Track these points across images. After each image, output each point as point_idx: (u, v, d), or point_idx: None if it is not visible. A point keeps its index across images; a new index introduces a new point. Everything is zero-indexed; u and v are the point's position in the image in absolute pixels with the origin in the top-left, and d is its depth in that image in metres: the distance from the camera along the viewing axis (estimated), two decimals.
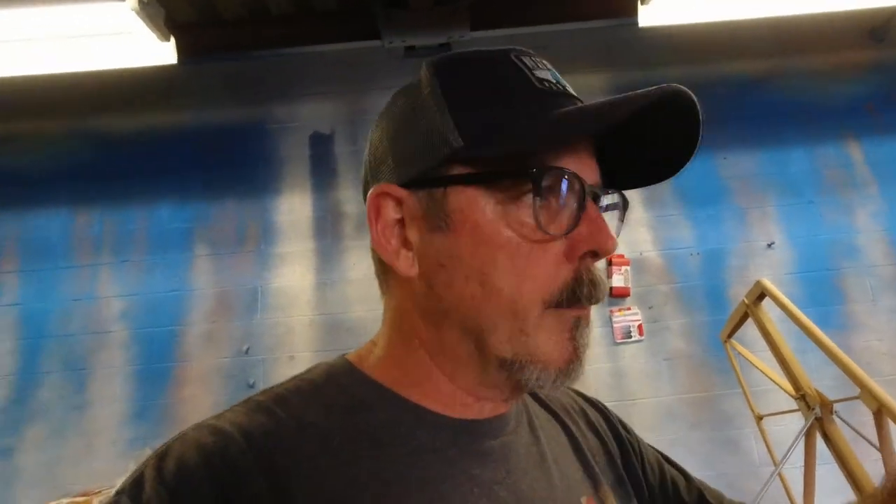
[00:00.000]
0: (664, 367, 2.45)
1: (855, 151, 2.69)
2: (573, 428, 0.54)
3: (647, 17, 2.06)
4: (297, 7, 2.50)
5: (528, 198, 0.40)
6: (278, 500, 0.37)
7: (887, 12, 2.65)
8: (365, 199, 0.45)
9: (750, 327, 1.64)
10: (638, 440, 0.59)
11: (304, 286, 2.54)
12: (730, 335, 1.75)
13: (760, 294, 1.55)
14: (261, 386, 2.40)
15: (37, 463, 2.35)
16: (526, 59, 0.44)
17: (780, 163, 2.67)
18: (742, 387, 1.78)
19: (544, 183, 0.39)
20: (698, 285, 2.53)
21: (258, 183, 2.66)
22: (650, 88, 0.38)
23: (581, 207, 0.40)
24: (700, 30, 2.28)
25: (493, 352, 0.41)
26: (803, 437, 1.41)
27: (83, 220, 2.62)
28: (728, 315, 1.76)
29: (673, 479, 0.58)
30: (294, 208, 2.64)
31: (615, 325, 2.48)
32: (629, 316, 2.49)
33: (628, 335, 2.48)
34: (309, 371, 0.47)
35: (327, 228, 2.61)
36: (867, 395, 1.22)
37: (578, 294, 0.41)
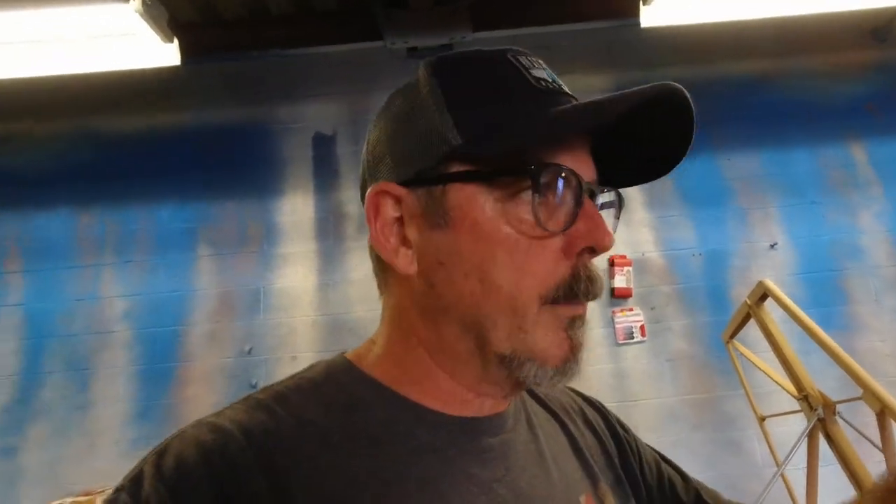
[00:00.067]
0: (666, 367, 2.45)
1: (858, 152, 2.68)
2: (571, 427, 0.54)
3: (649, 17, 2.06)
4: (299, 8, 2.50)
5: (527, 195, 0.40)
6: (278, 499, 0.37)
7: (889, 12, 2.64)
8: (363, 199, 0.46)
9: (752, 328, 1.64)
10: (636, 440, 0.59)
11: (306, 287, 2.55)
12: (732, 336, 1.75)
13: (763, 295, 1.54)
14: (263, 386, 2.40)
15: (40, 462, 2.36)
16: (522, 59, 0.44)
17: (783, 163, 2.66)
18: (744, 388, 1.77)
19: (542, 180, 0.40)
20: (700, 286, 2.53)
21: (261, 183, 2.67)
22: (645, 86, 0.39)
23: (578, 204, 0.41)
24: (702, 30, 2.28)
25: (493, 348, 0.41)
26: (806, 438, 1.40)
27: (86, 221, 2.63)
28: (730, 316, 1.76)
29: (670, 479, 0.58)
30: (296, 209, 2.65)
31: (617, 326, 2.48)
32: (631, 317, 2.49)
33: (630, 336, 2.47)
34: (308, 369, 0.47)
35: (329, 229, 2.61)
36: (870, 395, 1.22)
37: (576, 290, 0.41)
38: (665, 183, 2.63)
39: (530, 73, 0.43)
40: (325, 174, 2.69)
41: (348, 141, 2.72)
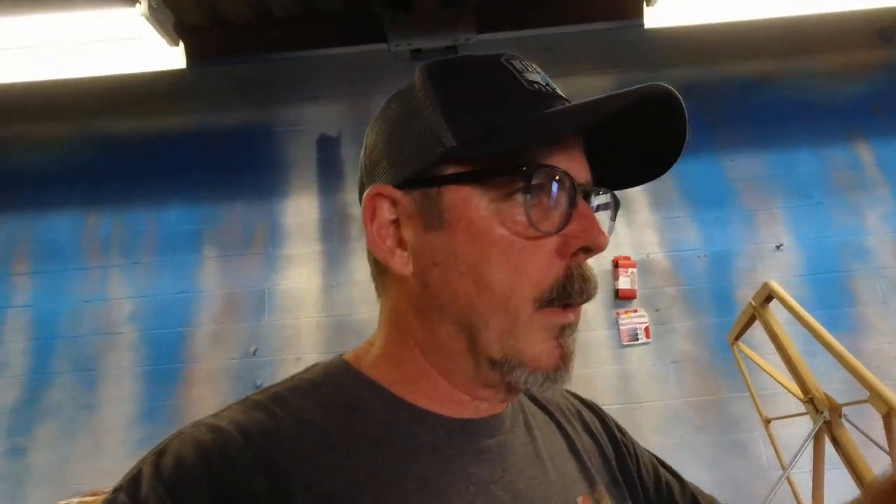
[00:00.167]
0: (671, 369, 2.44)
1: (864, 153, 2.67)
2: (569, 429, 0.54)
3: (653, 18, 2.05)
4: (304, 10, 2.52)
5: (521, 196, 0.40)
6: (277, 498, 0.37)
7: None
8: (361, 202, 0.46)
9: (758, 329, 1.63)
10: (633, 443, 0.59)
11: (310, 288, 2.56)
12: (737, 337, 1.74)
13: (768, 296, 1.54)
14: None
15: (48, 462, 2.38)
16: (516, 63, 0.45)
17: (788, 164, 2.65)
18: (749, 390, 1.77)
19: (535, 181, 0.40)
20: (705, 287, 2.52)
21: (266, 185, 2.68)
22: (635, 87, 0.39)
23: (572, 205, 0.41)
24: (706, 31, 2.28)
25: (484, 350, 0.42)
26: (812, 441, 1.39)
27: (93, 223, 2.66)
28: (735, 317, 1.75)
29: (667, 483, 0.58)
30: (301, 211, 2.66)
31: (621, 328, 2.47)
32: (635, 318, 2.48)
33: (635, 337, 2.47)
34: (307, 371, 0.48)
35: (334, 231, 2.62)
36: (876, 398, 1.21)
37: (569, 290, 0.41)
38: (669, 184, 2.62)
39: (524, 77, 0.44)
40: (329, 176, 2.70)
41: (353, 143, 2.73)
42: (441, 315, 0.43)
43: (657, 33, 2.22)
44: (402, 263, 0.44)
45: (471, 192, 0.41)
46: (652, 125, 0.43)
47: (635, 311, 2.49)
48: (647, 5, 2.02)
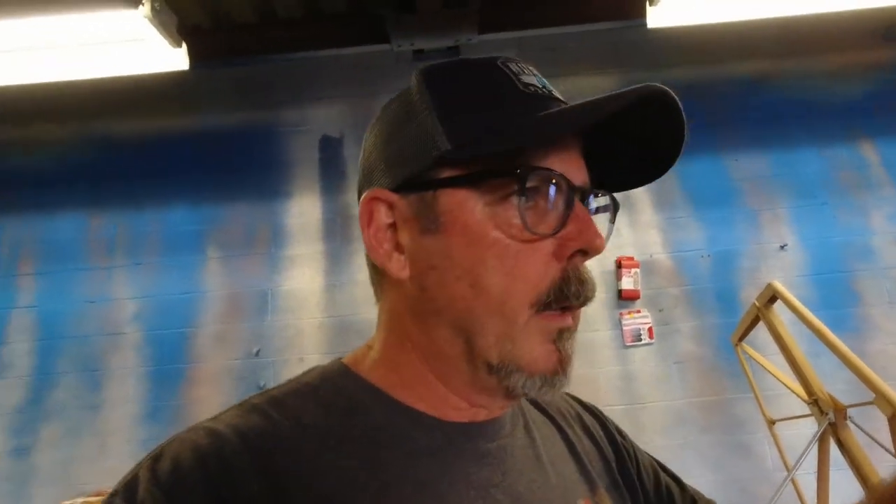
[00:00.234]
0: (674, 370, 2.43)
1: (869, 152, 2.65)
2: (569, 432, 0.54)
3: (656, 18, 2.05)
4: (307, 11, 2.52)
5: (515, 198, 0.40)
6: (275, 501, 0.37)
7: None
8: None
9: (762, 330, 1.62)
10: (633, 446, 0.58)
11: (313, 288, 2.56)
12: (741, 338, 1.73)
13: (772, 297, 1.53)
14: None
15: (52, 462, 2.39)
16: (512, 66, 0.45)
17: (792, 164, 2.64)
18: (754, 391, 1.76)
19: (529, 183, 0.40)
20: (709, 288, 2.51)
21: (268, 186, 2.69)
22: (631, 87, 0.39)
23: (568, 207, 0.41)
24: (709, 30, 2.27)
25: (481, 355, 0.42)
26: (816, 443, 1.39)
27: (97, 223, 2.67)
28: (739, 318, 1.74)
29: (668, 487, 0.58)
30: (304, 211, 2.66)
31: (625, 328, 2.47)
32: (639, 319, 2.48)
33: (638, 338, 2.46)
34: (305, 374, 0.48)
35: (336, 231, 2.62)
36: (882, 400, 1.20)
37: (566, 292, 0.41)
38: (672, 184, 2.61)
39: (519, 79, 0.44)
40: (332, 176, 2.70)
41: (355, 143, 2.73)
42: (438, 319, 0.43)
43: (660, 33, 2.21)
44: (398, 267, 0.44)
45: (466, 196, 0.41)
46: (650, 126, 0.43)
47: (638, 311, 2.49)
48: (650, 5, 2.01)
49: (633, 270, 2.50)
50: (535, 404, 0.55)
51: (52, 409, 2.45)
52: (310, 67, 2.75)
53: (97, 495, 2.21)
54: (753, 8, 2.08)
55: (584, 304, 0.43)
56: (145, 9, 1.68)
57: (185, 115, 2.78)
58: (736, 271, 2.52)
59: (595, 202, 0.46)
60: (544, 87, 0.45)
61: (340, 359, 0.49)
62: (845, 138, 2.66)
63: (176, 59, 1.96)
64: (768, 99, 2.71)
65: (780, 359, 1.54)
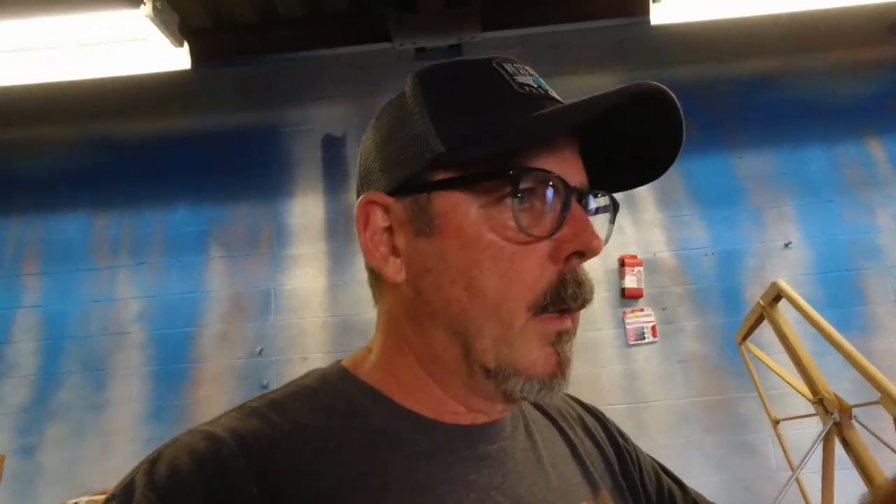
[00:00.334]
0: (678, 369, 2.42)
1: (876, 149, 2.63)
2: (570, 434, 0.53)
3: (660, 14, 2.04)
4: (308, 11, 2.52)
5: (510, 200, 0.40)
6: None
7: None
8: None
9: (766, 329, 1.61)
10: (635, 449, 0.58)
11: (316, 288, 2.57)
12: (745, 337, 1.72)
13: (776, 296, 1.52)
14: (274, 387, 2.42)
15: (57, 461, 2.41)
16: (507, 66, 0.44)
17: (798, 162, 2.62)
18: (758, 390, 1.75)
19: (523, 184, 0.40)
20: (713, 286, 2.50)
21: (271, 186, 2.69)
22: (624, 85, 0.39)
23: (564, 208, 0.40)
24: (714, 27, 2.25)
25: (478, 358, 0.41)
26: (821, 442, 1.38)
27: (101, 224, 2.68)
28: (743, 317, 1.73)
29: (670, 490, 0.57)
30: (306, 211, 2.67)
31: (628, 327, 2.46)
32: (642, 317, 2.47)
33: (641, 337, 2.45)
34: (304, 377, 0.47)
35: (339, 230, 2.62)
36: (888, 399, 1.19)
37: (563, 295, 0.40)
38: (676, 182, 2.60)
39: (514, 80, 0.43)
40: (334, 176, 2.70)
41: (358, 142, 2.67)
42: (434, 322, 0.42)
43: (664, 30, 2.20)
44: (394, 270, 0.44)
45: (461, 198, 0.41)
46: (648, 125, 0.43)
47: (642, 310, 2.48)
48: (653, 2, 2.00)
49: (637, 269, 2.49)
50: (537, 406, 0.55)
51: (56, 408, 2.46)
52: (312, 67, 2.75)
53: (102, 494, 2.23)
54: (758, 4, 2.06)
55: (582, 306, 0.42)
56: (147, 8, 1.69)
57: (188, 114, 2.79)
58: (740, 270, 2.51)
59: (595, 202, 0.45)
60: (540, 86, 0.44)
61: (340, 362, 0.49)
62: (851, 135, 2.64)
63: (178, 58, 1.97)
64: (773, 96, 2.69)
65: (785, 358, 1.53)
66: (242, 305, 2.55)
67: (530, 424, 0.51)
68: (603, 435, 0.56)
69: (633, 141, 0.45)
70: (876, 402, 1.22)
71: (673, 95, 0.40)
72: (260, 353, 2.50)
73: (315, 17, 2.55)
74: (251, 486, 0.37)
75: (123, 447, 2.40)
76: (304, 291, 2.56)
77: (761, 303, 1.57)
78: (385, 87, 2.69)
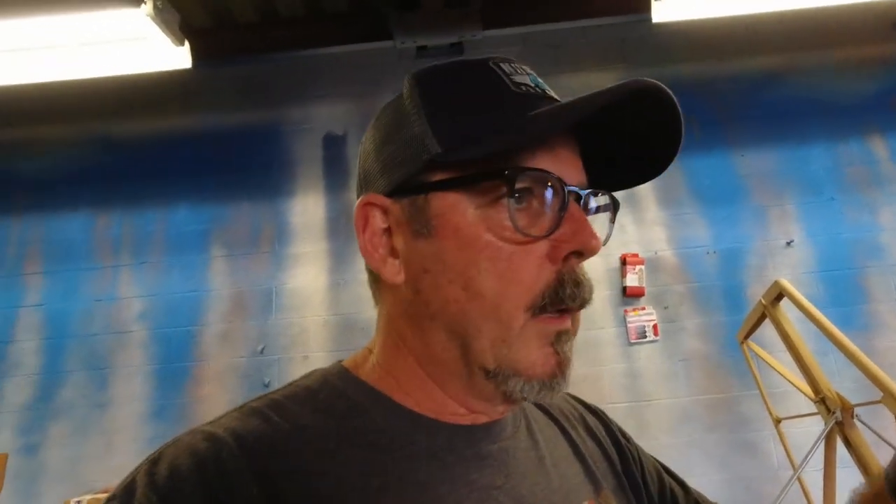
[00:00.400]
0: (680, 367, 2.42)
1: (879, 147, 2.62)
2: (572, 433, 0.53)
3: (661, 12, 2.03)
4: (309, 9, 2.52)
5: (506, 200, 0.40)
6: None
7: None
8: None
9: (768, 328, 1.61)
10: (637, 448, 0.58)
11: (317, 286, 2.57)
12: (747, 336, 1.72)
13: (778, 294, 1.51)
14: (276, 385, 2.42)
15: (60, 459, 2.42)
16: (504, 66, 0.44)
17: (800, 160, 2.61)
18: (760, 389, 1.74)
19: (519, 184, 0.40)
20: (715, 285, 2.49)
21: (272, 184, 2.69)
22: (620, 83, 0.38)
23: (562, 208, 0.40)
24: (716, 24, 2.25)
25: (477, 359, 0.41)
26: (823, 441, 1.37)
27: (103, 223, 2.69)
28: (745, 315, 1.73)
29: (672, 490, 0.57)
30: (308, 209, 2.67)
31: (629, 326, 2.45)
32: (644, 316, 2.46)
33: (643, 335, 2.45)
34: (305, 377, 0.47)
35: (340, 229, 2.63)
36: (890, 398, 1.18)
37: (561, 295, 0.40)
38: (678, 180, 2.59)
39: (511, 79, 0.43)
40: (335, 174, 2.70)
41: (358, 141, 2.66)
42: (432, 323, 0.42)
43: (665, 28, 2.20)
44: (393, 272, 0.44)
45: (458, 199, 0.41)
46: (647, 123, 0.42)
47: (643, 308, 2.48)
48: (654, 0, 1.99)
49: (638, 267, 2.49)
50: (538, 405, 0.54)
51: (59, 407, 2.47)
52: (312, 65, 2.75)
53: (104, 492, 2.24)
54: (759, 2, 2.06)
55: (581, 306, 0.42)
56: (147, 7, 1.69)
57: (189, 114, 2.79)
58: (742, 268, 2.51)
59: (595, 201, 0.45)
60: (537, 86, 0.44)
61: (341, 362, 0.49)
62: (854, 133, 2.63)
63: (178, 57, 1.97)
64: (775, 94, 2.68)
65: (787, 357, 1.53)
66: (244, 304, 2.56)
67: (532, 424, 0.51)
68: (605, 434, 0.56)
69: (632, 140, 0.45)
70: (878, 402, 1.22)
71: (670, 92, 0.40)
72: (262, 351, 2.50)
73: (316, 16, 2.55)
74: (251, 486, 0.37)
75: (126, 446, 2.41)
76: (306, 290, 2.57)
77: (763, 301, 1.56)
78: (386, 86, 2.69)
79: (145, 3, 1.70)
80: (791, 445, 1.69)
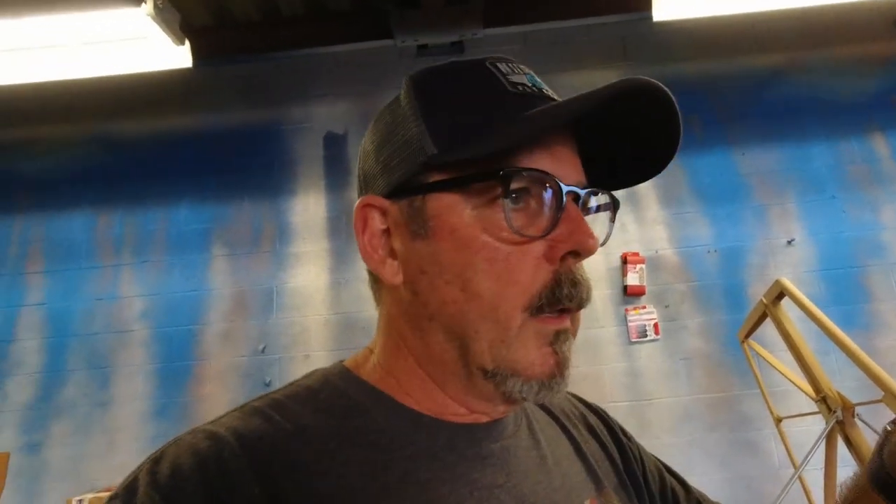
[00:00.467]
0: (681, 366, 2.42)
1: (881, 146, 2.61)
2: (574, 432, 0.53)
3: (662, 10, 2.03)
4: (310, 8, 2.52)
5: (501, 200, 0.40)
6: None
7: None
8: None
9: (769, 327, 1.61)
10: (639, 447, 0.58)
11: (318, 285, 2.57)
12: (748, 335, 1.72)
13: (779, 293, 1.51)
14: (277, 384, 2.43)
15: (63, 458, 2.42)
16: (501, 66, 0.44)
17: (802, 158, 2.61)
18: (761, 388, 1.74)
19: (515, 184, 0.39)
20: (716, 284, 2.49)
21: (273, 184, 2.69)
22: (616, 81, 0.38)
23: (559, 208, 0.40)
24: (716, 23, 2.24)
25: (475, 360, 0.41)
26: (824, 440, 1.37)
27: (104, 222, 2.69)
28: (746, 314, 1.73)
29: (673, 489, 0.57)
30: (308, 208, 2.67)
31: (630, 324, 2.45)
32: (644, 315, 2.46)
33: (644, 334, 2.45)
34: (306, 377, 0.47)
35: (341, 228, 2.63)
36: (891, 398, 1.18)
37: (558, 295, 0.40)
38: (679, 179, 2.59)
39: (507, 79, 0.43)
40: (336, 173, 2.70)
41: (359, 140, 2.67)
42: (431, 324, 0.42)
43: (666, 26, 2.19)
44: (392, 273, 0.44)
45: (454, 200, 0.41)
46: (645, 122, 0.42)
47: (644, 307, 2.47)
48: None
49: (639, 266, 2.49)
50: (540, 404, 0.54)
51: (61, 405, 2.48)
52: (313, 64, 2.74)
53: (107, 491, 2.24)
54: (760, 0, 2.05)
55: (580, 306, 0.42)
56: (148, 7, 1.69)
57: (189, 113, 2.79)
58: (743, 267, 2.50)
59: (595, 200, 0.45)
60: (534, 85, 0.44)
61: (342, 362, 0.49)
62: (855, 131, 2.62)
63: (179, 57, 1.97)
64: (776, 92, 2.68)
65: (788, 356, 1.53)
66: (245, 303, 2.56)
67: (533, 423, 0.51)
68: (606, 433, 0.56)
69: (632, 139, 0.45)
70: (879, 401, 1.22)
71: (667, 90, 0.40)
72: (263, 350, 2.51)
73: (316, 15, 2.55)
74: (252, 485, 0.37)
75: (128, 444, 2.41)
76: (307, 289, 2.57)
77: (764, 300, 1.56)
78: (387, 85, 2.69)
79: (146, 2, 1.70)
80: (792, 444, 1.69)
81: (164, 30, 1.80)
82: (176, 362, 2.50)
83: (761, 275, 2.46)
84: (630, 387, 2.40)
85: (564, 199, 0.40)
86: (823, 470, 1.40)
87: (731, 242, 2.53)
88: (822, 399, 1.39)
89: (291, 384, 0.46)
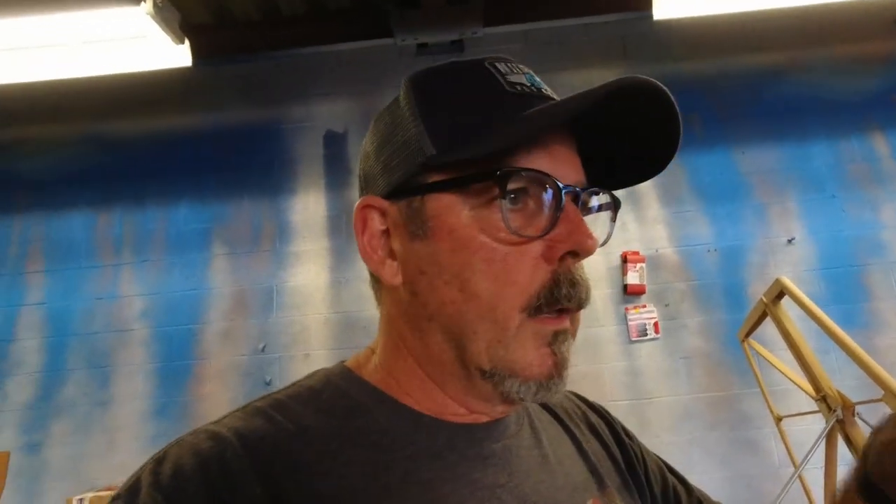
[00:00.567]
0: (681, 365, 2.42)
1: (881, 144, 2.61)
2: (576, 431, 0.53)
3: (662, 9, 2.03)
4: (310, 7, 2.51)
5: (499, 201, 0.40)
6: None
7: None
8: None
9: (769, 326, 1.61)
10: (640, 447, 0.58)
11: (318, 284, 2.57)
12: (748, 334, 1.72)
13: (780, 293, 1.51)
14: (277, 383, 2.43)
15: (63, 457, 2.43)
16: (500, 66, 0.44)
17: (802, 157, 2.61)
18: (761, 387, 1.75)
19: (512, 185, 0.39)
20: (716, 283, 2.49)
21: (273, 182, 2.69)
22: (612, 80, 0.38)
23: (558, 207, 0.40)
24: (716, 21, 2.24)
25: (473, 360, 0.41)
26: (824, 439, 1.38)
27: (104, 221, 2.69)
28: (747, 313, 1.73)
29: (675, 488, 0.57)
30: (309, 207, 2.67)
31: (630, 323, 2.46)
32: (645, 313, 2.46)
33: (644, 333, 2.45)
34: (308, 377, 0.48)
35: (342, 227, 2.63)
36: (891, 397, 1.19)
37: (557, 295, 0.40)
38: (679, 178, 2.59)
39: (506, 79, 0.43)
40: (336, 172, 2.70)
41: (359, 138, 2.69)
42: (430, 324, 0.43)
43: (666, 25, 2.19)
44: (391, 273, 0.44)
45: (453, 200, 0.41)
46: (645, 121, 0.42)
47: (644, 306, 2.47)
48: None
49: (639, 265, 2.49)
50: (541, 404, 0.54)
51: (61, 405, 2.48)
52: (313, 63, 2.74)
53: (107, 490, 2.24)
54: None
55: (579, 306, 0.42)
56: (147, 6, 1.69)
57: (189, 112, 2.79)
58: (743, 266, 2.50)
59: (596, 200, 0.45)
60: (533, 84, 0.44)
61: (344, 362, 0.49)
62: (855, 130, 2.62)
63: (179, 56, 1.97)
64: (777, 91, 2.68)
65: (788, 355, 1.53)
66: (245, 302, 2.56)
67: (535, 422, 0.51)
68: (608, 433, 0.56)
69: (632, 139, 0.44)
70: (879, 400, 1.22)
71: (665, 88, 0.40)
72: (263, 349, 2.51)
73: (316, 14, 2.55)
74: (254, 486, 0.37)
75: (128, 444, 2.41)
76: (307, 288, 2.57)
77: (764, 299, 1.56)
78: (387, 83, 2.69)
79: (145, 1, 1.69)
80: (792, 443, 1.70)
81: (163, 29, 1.80)
82: (176, 361, 2.50)
83: (761, 274, 2.46)
84: (630, 385, 2.40)
85: (563, 198, 0.40)
86: (823, 469, 1.40)
87: (732, 241, 2.53)
88: (823, 398, 1.40)
89: (293, 384, 0.46)
